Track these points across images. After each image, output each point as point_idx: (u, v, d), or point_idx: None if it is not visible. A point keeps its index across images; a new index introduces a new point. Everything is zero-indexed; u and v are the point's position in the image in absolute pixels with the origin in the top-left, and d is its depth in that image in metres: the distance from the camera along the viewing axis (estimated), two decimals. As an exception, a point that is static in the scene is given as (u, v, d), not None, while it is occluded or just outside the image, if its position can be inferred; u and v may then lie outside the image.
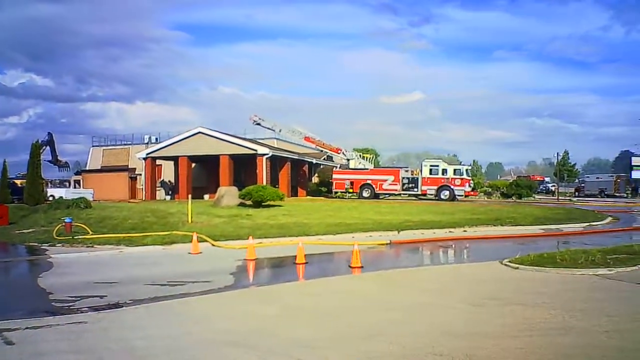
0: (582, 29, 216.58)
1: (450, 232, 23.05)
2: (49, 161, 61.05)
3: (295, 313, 9.14)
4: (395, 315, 8.70)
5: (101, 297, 10.77)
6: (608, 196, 62.69)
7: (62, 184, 55.47)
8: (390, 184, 45.77)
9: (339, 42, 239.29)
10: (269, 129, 48.95)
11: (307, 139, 48.85)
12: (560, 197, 55.58)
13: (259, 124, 48.08)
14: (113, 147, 62.98)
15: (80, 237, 20.38)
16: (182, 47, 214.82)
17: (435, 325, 7.97)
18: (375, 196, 45.63)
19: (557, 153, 63.92)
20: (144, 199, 47.32)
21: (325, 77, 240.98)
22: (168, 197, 50.18)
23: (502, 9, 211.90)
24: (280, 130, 49.17)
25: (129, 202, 42.32)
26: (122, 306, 9.90)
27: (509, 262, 13.81)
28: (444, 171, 44.68)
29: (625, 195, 63.33)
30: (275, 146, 51.06)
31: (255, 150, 44.07)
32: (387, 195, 46.77)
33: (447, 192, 43.98)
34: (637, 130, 76.16)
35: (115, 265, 15.56)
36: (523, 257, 14.10)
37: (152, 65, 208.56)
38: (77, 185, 56.07)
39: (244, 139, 48.53)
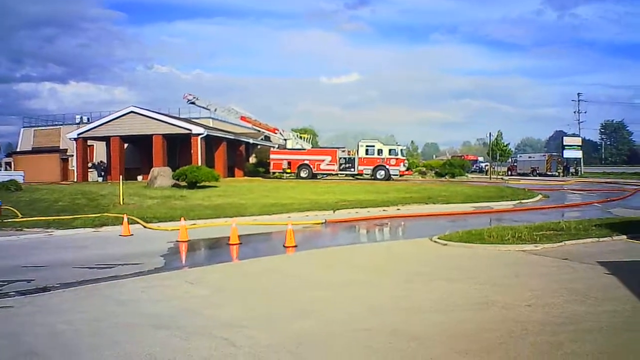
0: (515, 12, 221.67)
1: (384, 210, 23.35)
2: (-23, 143, 58.73)
3: (226, 294, 9.07)
4: (326, 294, 8.75)
5: (29, 281, 10.43)
6: (540, 175, 64.91)
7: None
8: (327, 164, 46.03)
9: (277, 21, 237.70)
10: (204, 108, 48.20)
11: (243, 118, 48.34)
12: (493, 176, 57.12)
13: (193, 103, 47.24)
14: (44, 127, 60.82)
15: (9, 220, 19.63)
16: (118, 26, 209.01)
17: (365, 302, 8.06)
18: (313, 176, 45.81)
19: (490, 133, 65.47)
20: (75, 180, 45.88)
21: (263, 56, 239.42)
22: (100, 179, 48.92)
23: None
24: (215, 110, 48.43)
25: (60, 184, 41.00)
26: (50, 290, 9.61)
27: (438, 238, 14.13)
28: (380, 151, 45.30)
29: (557, 174, 65.64)
30: (211, 126, 50.33)
31: (190, 130, 43.27)
32: (324, 175, 47.06)
33: (382, 172, 44.65)
34: (568, 111, 79.33)
35: (45, 249, 14.99)
36: (452, 234, 14.47)
37: (86, 44, 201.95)
38: (7, 167, 54.04)
39: (178, 118, 47.63)
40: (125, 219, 17.75)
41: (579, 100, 79.43)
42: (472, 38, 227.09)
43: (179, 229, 16.17)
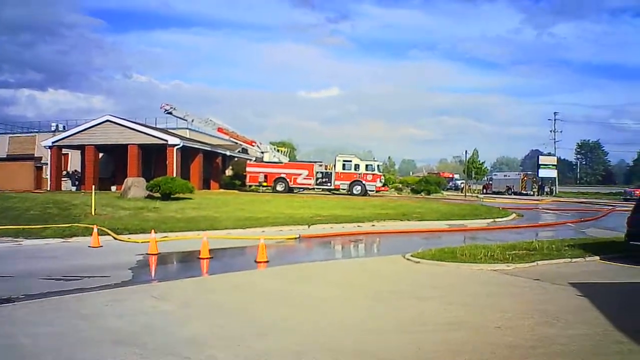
0: (494, 31, 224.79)
1: (359, 226, 23.26)
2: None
3: (191, 310, 8.83)
4: (294, 311, 8.59)
5: (-8, 291, 10.10)
6: (515, 194, 65.51)
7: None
8: (304, 178, 45.82)
9: (255, 33, 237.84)
10: (180, 118, 47.70)
11: (220, 130, 47.92)
12: (468, 194, 57.45)
13: (170, 113, 46.75)
14: (19, 134, 59.87)
15: (-24, 228, 19.15)
16: (97, 34, 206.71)
17: (333, 321, 7.92)
18: (290, 190, 45.54)
19: (466, 151, 66.15)
20: (49, 189, 45.04)
21: (242, 68, 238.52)
22: (74, 188, 48.11)
23: (417, 7, 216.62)
24: (192, 121, 47.92)
25: (33, 192, 40.22)
26: (14, 301, 9.30)
27: (412, 256, 14.05)
28: (357, 166, 45.21)
29: (532, 193, 66.24)
30: (188, 137, 49.79)
31: (166, 141, 42.70)
32: (301, 190, 46.84)
33: (359, 187, 44.53)
34: (545, 130, 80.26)
35: (12, 259, 14.57)
36: (424, 252, 14.38)
37: (65, 51, 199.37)
38: (-20, 174, 53.08)
39: (154, 128, 47.04)
40: (95, 230, 17.40)
41: (555, 120, 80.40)
42: (450, 55, 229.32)
43: (149, 242, 15.90)
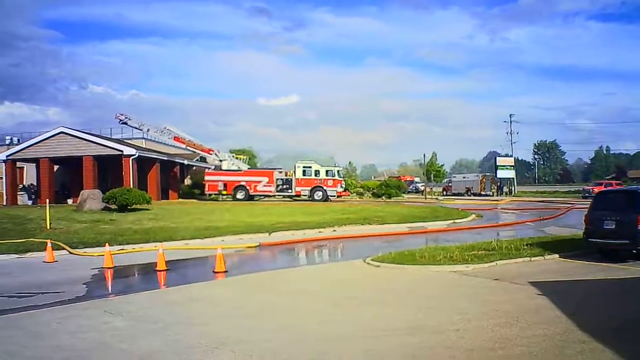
0: (448, 37, 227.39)
1: (320, 232, 23.13)
2: None
3: (145, 325, 8.53)
4: (250, 322, 8.40)
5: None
6: (475, 195, 66.15)
7: None
8: (264, 186, 45.44)
9: (213, 42, 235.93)
10: (136, 128, 46.83)
11: (176, 139, 47.16)
12: (428, 196, 57.80)
13: (125, 123, 45.80)
14: (-28, 150, 58.08)
15: None
16: (52, 45, 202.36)
17: (289, 330, 7.77)
18: (250, 198, 45.11)
19: (424, 154, 66.31)
20: (5, 204, 43.74)
21: (200, 77, 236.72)
22: (30, 202, 46.82)
23: (371, 15, 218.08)
24: (148, 130, 47.11)
25: (-13, 207, 39.01)
26: (-36, 319, 8.95)
27: (372, 260, 13.99)
28: (317, 172, 45.04)
29: (491, 193, 66.98)
30: (144, 147, 48.93)
31: (121, 151, 41.76)
32: (262, 197, 46.45)
33: (320, 193, 44.36)
34: (501, 132, 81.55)
35: (-38, 275, 14.10)
36: (384, 255, 14.32)
37: (20, 64, 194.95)
38: None
39: (109, 138, 46.03)
40: (49, 245, 16.94)
41: (511, 121, 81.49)
42: (406, 61, 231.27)
43: (104, 255, 15.46)
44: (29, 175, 49.32)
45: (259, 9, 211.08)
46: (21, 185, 48.92)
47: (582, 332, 7.00)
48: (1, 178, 47.09)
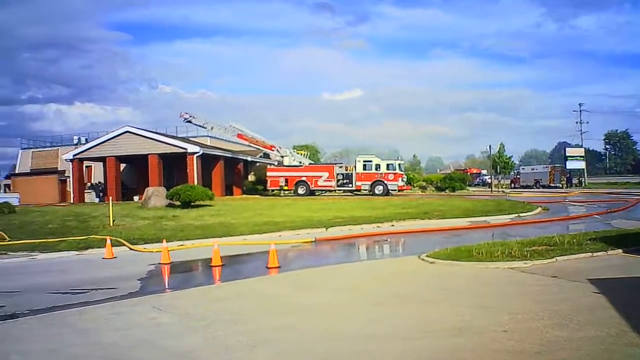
0: (514, 26, 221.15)
1: (378, 227, 22.86)
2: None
3: (190, 321, 8.55)
4: (295, 319, 8.30)
5: (-1, 306, 10.05)
6: (543, 187, 64.24)
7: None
8: (325, 181, 45.45)
9: (276, 39, 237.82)
10: (200, 126, 47.79)
11: (240, 136, 47.83)
12: (495, 189, 56.48)
13: (189, 122, 46.85)
14: (42, 149, 60.60)
15: (-4, 244, 19.22)
16: (121, 47, 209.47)
17: (332, 328, 7.61)
18: (311, 193, 45.22)
19: (490, 146, 64.73)
20: (72, 202, 45.48)
21: (264, 75, 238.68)
22: (97, 200, 48.54)
23: (436, 6, 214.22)
24: (212, 128, 47.98)
25: (56, 205, 40.58)
26: (18, 317, 9.26)
27: (427, 256, 13.61)
28: (377, 166, 44.60)
29: (560, 185, 64.95)
30: (209, 144, 49.89)
31: (185, 149, 42.77)
32: (323, 192, 46.49)
33: (380, 187, 43.98)
34: (571, 122, 78.84)
35: (24, 273, 14.60)
36: (440, 251, 13.94)
37: (90, 65, 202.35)
38: (7, 189, 53.81)
39: (173, 137, 47.17)
40: (109, 241, 17.38)
41: (580, 111, 79.03)
42: (472, 52, 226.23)
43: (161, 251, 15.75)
44: (97, 173, 51.02)
45: (322, 5, 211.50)
46: (89, 184, 50.67)
47: (636, 334, 6.53)
48: (69, 177, 48.94)
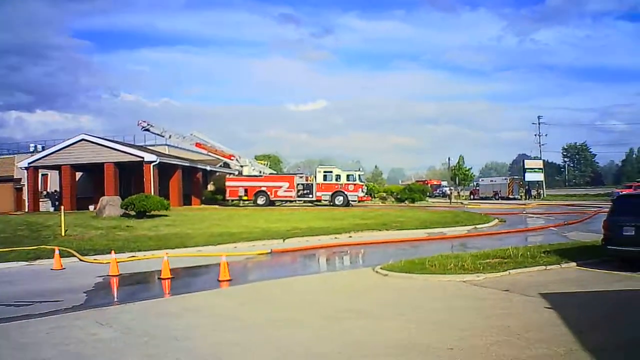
0: (476, 39, 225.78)
1: (335, 238, 22.74)
2: None
3: (130, 337, 8.20)
4: (240, 337, 8.01)
5: (-63, 318, 9.59)
6: (502, 198, 64.95)
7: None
8: (285, 191, 45.08)
9: (242, 50, 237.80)
10: (158, 134, 46.95)
11: (198, 145, 47.17)
12: (454, 201, 56.92)
13: (148, 130, 45.98)
14: (-2, 156, 58.90)
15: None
16: (83, 55, 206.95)
17: (276, 346, 7.37)
18: (271, 203, 44.76)
19: (449, 158, 65.53)
20: (27, 210, 44.19)
21: (229, 85, 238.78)
22: (53, 209, 47.27)
23: (399, 19, 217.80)
24: (170, 137, 47.18)
25: (10, 214, 39.28)
26: (-43, 331, 8.79)
27: (381, 269, 13.50)
28: (338, 177, 44.51)
29: (519, 197, 65.80)
30: (167, 153, 49.10)
31: (142, 158, 41.84)
32: (283, 202, 46.09)
33: (341, 198, 43.86)
34: (531, 135, 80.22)
35: (-33, 284, 14.00)
36: (394, 264, 13.83)
37: (53, 73, 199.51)
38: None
39: (130, 145, 46.21)
40: (57, 252, 16.87)
41: (539, 123, 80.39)
42: (434, 64, 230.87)
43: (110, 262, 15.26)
44: (53, 182, 49.75)
45: (287, 16, 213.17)
46: (45, 192, 49.35)
47: (586, 353, 6.42)
48: (25, 185, 47.61)
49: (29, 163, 44.90)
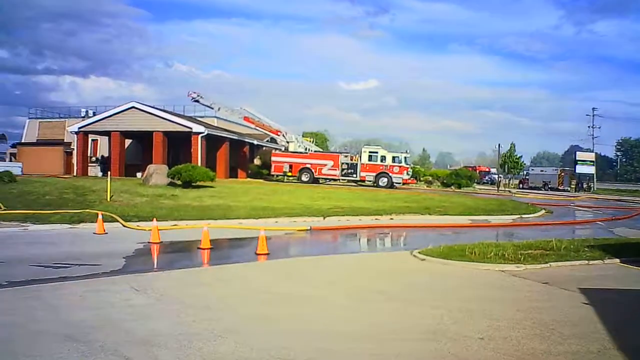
0: (533, 26, 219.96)
1: (376, 219, 22.51)
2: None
3: (164, 304, 8.31)
4: (267, 310, 8.04)
5: (-23, 277, 9.90)
6: (552, 189, 63.45)
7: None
8: (329, 169, 45.08)
9: (295, 25, 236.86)
10: (207, 106, 47.33)
11: (246, 118, 47.42)
12: (502, 189, 55.90)
13: (197, 101, 46.40)
14: (49, 120, 60.43)
15: (-12, 212, 19.02)
16: (139, 23, 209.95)
17: (302, 323, 7.37)
18: (315, 180, 44.89)
19: (499, 144, 64.06)
20: (75, 174, 45.36)
21: (281, 59, 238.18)
22: (101, 174, 48.38)
23: (456, 2, 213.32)
24: (219, 109, 47.54)
25: (58, 177, 40.38)
26: (-5, 288, 9.05)
27: (419, 252, 13.31)
28: (383, 158, 44.19)
29: (569, 189, 64.28)
30: (215, 125, 49.59)
31: (190, 129, 42.43)
32: (327, 180, 46.17)
33: (385, 179, 43.58)
34: (584, 126, 78.17)
35: (11, 244, 14.37)
36: (433, 249, 13.62)
37: (108, 40, 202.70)
38: (12, 158, 53.71)
39: (179, 115, 46.81)
40: (100, 217, 17.17)
41: (593, 115, 78.22)
42: (490, 50, 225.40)
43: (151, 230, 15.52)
44: (103, 147, 50.80)
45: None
46: (94, 157, 50.44)
47: (618, 353, 6.20)
48: (75, 149, 48.74)
49: (79, 128, 46.03)
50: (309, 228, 19.10)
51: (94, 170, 49.31)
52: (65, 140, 53.61)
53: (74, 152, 47.86)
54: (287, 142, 47.49)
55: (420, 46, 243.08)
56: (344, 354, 6.02)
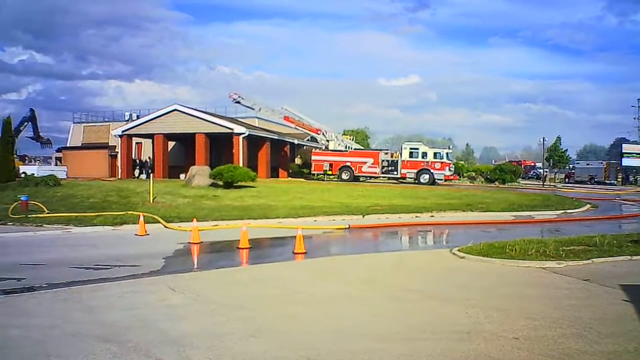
0: (575, 18, 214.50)
1: (416, 217, 22.35)
2: (31, 138, 60.11)
3: (198, 305, 8.39)
4: (302, 310, 8.04)
5: (19, 279, 10.23)
6: (598, 183, 61.98)
7: (45, 161, 54.43)
8: (369, 167, 44.88)
9: (334, 23, 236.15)
10: (248, 107, 47.66)
11: (286, 118, 47.53)
12: (547, 183, 54.86)
13: (238, 102, 46.74)
14: (94, 124, 61.84)
15: (33, 215, 19.56)
16: (180, 27, 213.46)
17: (337, 322, 7.31)
18: (355, 179, 44.73)
19: (544, 138, 62.78)
20: (120, 177, 46.33)
21: (320, 58, 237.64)
22: (145, 176, 49.28)
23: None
24: (260, 109, 47.84)
25: (102, 180, 41.27)
26: (36, 290, 9.36)
27: (458, 250, 13.14)
28: (424, 154, 43.69)
29: (616, 182, 62.69)
30: (256, 125, 49.97)
31: (232, 129, 42.87)
32: (367, 178, 45.95)
33: (426, 176, 43.10)
34: (630, 118, 75.75)
35: (53, 246, 14.79)
36: (472, 246, 13.40)
37: (151, 44, 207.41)
38: (58, 162, 55.11)
39: (221, 117, 47.31)
40: (142, 218, 17.48)
41: (639, 107, 75.91)
42: (532, 42, 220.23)
43: (191, 230, 15.75)
44: (147, 150, 51.73)
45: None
46: (138, 160, 51.43)
47: (659, 352, 6.02)
48: (119, 152, 49.76)
49: (122, 131, 47.03)
50: (347, 226, 19.08)
51: (138, 172, 50.29)
52: (109, 144, 54.81)
53: (118, 155, 48.86)
54: (327, 141, 47.42)
55: (460, 41, 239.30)
56: (374, 354, 5.94)
